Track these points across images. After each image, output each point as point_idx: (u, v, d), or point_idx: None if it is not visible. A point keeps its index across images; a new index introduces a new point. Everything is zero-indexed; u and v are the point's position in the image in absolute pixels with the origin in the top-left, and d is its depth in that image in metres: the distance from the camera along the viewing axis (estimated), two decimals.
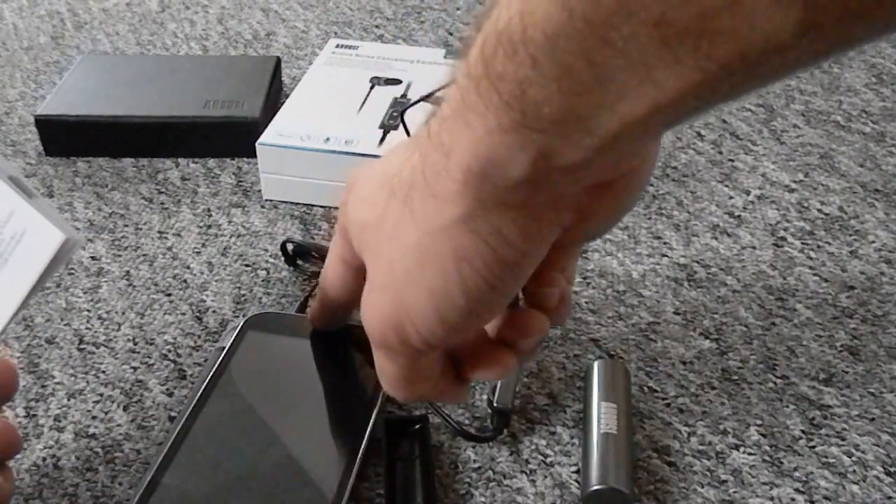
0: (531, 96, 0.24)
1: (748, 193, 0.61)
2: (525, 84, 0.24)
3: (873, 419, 0.45)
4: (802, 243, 0.57)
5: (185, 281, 0.53)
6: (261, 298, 0.52)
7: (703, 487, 0.41)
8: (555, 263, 0.33)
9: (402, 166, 0.31)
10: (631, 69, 0.22)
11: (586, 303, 0.52)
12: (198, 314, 0.51)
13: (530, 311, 0.34)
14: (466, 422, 0.44)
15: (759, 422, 0.44)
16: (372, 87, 0.65)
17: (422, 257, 0.30)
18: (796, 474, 0.42)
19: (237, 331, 0.46)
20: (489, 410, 0.44)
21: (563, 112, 0.24)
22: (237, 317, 0.50)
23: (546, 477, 0.42)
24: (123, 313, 0.51)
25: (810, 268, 0.54)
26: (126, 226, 0.58)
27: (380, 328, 0.32)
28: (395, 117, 0.61)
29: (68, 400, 0.45)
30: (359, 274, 0.37)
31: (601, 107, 0.24)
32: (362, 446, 0.40)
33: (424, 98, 0.50)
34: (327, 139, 0.58)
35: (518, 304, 0.35)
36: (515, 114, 0.25)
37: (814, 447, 0.43)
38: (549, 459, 0.42)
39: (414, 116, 0.60)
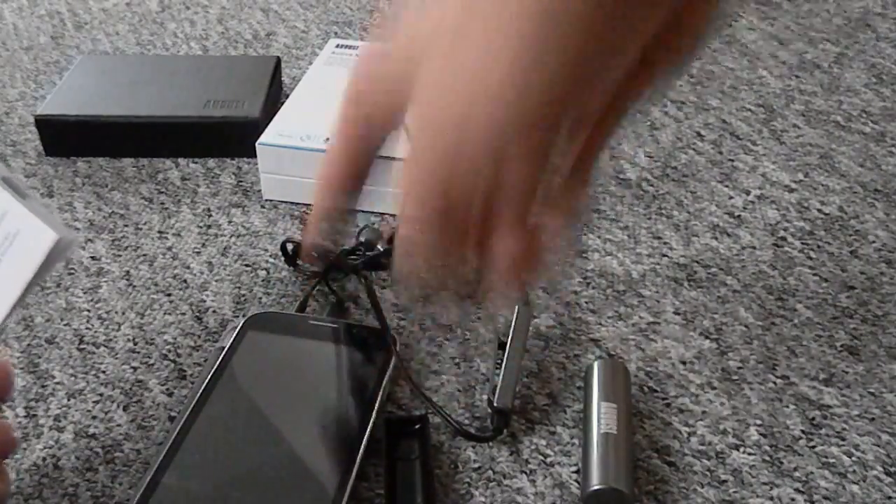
0: None
1: (748, 193, 0.61)
2: None
3: (873, 419, 0.45)
4: (802, 243, 0.57)
5: (185, 281, 0.53)
6: (261, 298, 0.52)
7: (703, 487, 0.41)
8: (594, 140, 0.31)
9: None
10: None
11: (586, 303, 0.52)
12: (198, 314, 0.51)
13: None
14: (466, 422, 0.44)
15: (759, 422, 0.44)
16: None
17: (491, 24, 0.27)
18: (796, 474, 0.42)
19: (237, 331, 0.46)
20: (489, 410, 0.44)
21: None
22: (237, 317, 0.50)
23: (546, 477, 0.42)
24: (123, 313, 0.51)
25: (810, 268, 0.54)
26: (126, 226, 0.58)
27: (442, 148, 0.29)
28: None
29: (68, 400, 0.45)
30: (369, 144, 0.34)
31: None
32: (362, 446, 0.40)
33: None
34: (327, 139, 0.58)
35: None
36: None
37: (814, 447, 0.43)
38: (549, 459, 0.42)
39: None
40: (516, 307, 0.47)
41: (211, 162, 0.64)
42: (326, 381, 0.44)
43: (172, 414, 0.45)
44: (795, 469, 0.42)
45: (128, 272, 0.54)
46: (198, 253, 0.55)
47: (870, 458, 0.43)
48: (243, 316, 0.50)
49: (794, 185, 0.62)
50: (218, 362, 0.44)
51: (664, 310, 0.51)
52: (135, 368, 0.47)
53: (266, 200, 0.60)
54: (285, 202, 0.60)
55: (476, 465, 0.42)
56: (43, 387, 0.46)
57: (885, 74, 0.76)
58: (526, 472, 0.42)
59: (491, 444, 0.43)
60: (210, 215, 0.59)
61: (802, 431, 0.44)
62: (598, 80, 0.28)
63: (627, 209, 0.59)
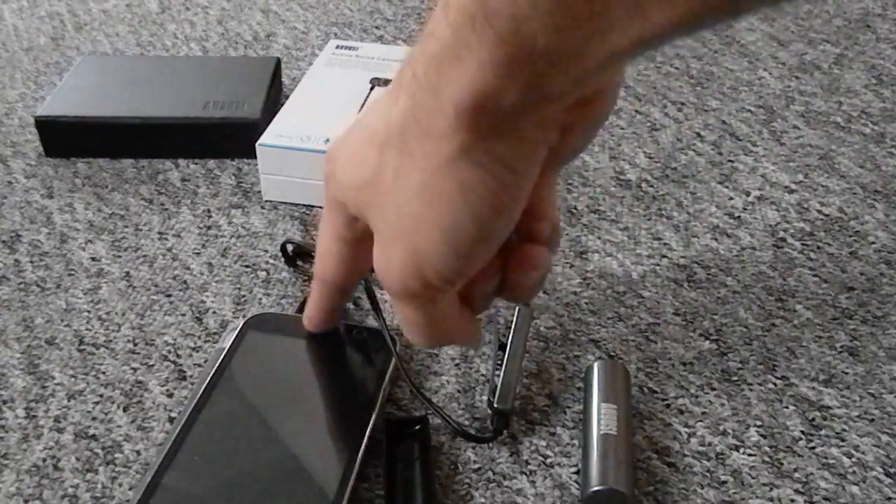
0: (525, 31, 0.25)
1: (748, 194, 0.61)
2: (520, 19, 0.25)
3: (873, 420, 0.45)
4: (802, 244, 0.57)
5: (185, 282, 0.53)
6: (261, 299, 0.52)
7: (703, 488, 0.41)
8: (540, 191, 0.34)
9: (389, 116, 0.31)
10: (623, 3, 0.24)
11: (586, 304, 0.52)
12: (198, 315, 0.51)
13: (529, 246, 0.36)
14: (466, 422, 0.44)
15: (759, 423, 0.44)
16: (372, 88, 0.65)
17: (429, 197, 0.31)
18: (796, 475, 0.42)
19: (237, 331, 0.46)
20: (489, 411, 0.44)
21: (556, 45, 0.25)
22: (237, 317, 0.50)
23: (546, 478, 0.42)
24: (123, 314, 0.51)
25: (810, 269, 0.54)
26: (126, 227, 0.58)
27: (399, 277, 0.33)
28: None
29: (68, 401, 0.45)
30: (356, 247, 0.38)
31: (591, 39, 0.25)
32: (362, 446, 0.40)
33: None
34: (327, 140, 0.58)
35: (512, 244, 0.36)
36: (509, 48, 0.26)
37: (814, 448, 0.43)
38: (548, 460, 0.42)
39: None
40: (516, 308, 0.48)
41: (211, 163, 0.64)
42: (326, 382, 0.43)
43: (172, 415, 0.45)
44: (795, 470, 0.42)
45: (128, 273, 0.54)
46: (198, 254, 0.55)
47: (869, 459, 0.43)
48: (243, 317, 0.50)
49: (793, 186, 0.62)
50: (218, 363, 0.44)
51: (664, 311, 0.51)
52: (135, 369, 0.47)
53: (266, 201, 0.60)
54: (285, 203, 0.60)
55: (476, 466, 0.42)
56: (43, 387, 0.46)
57: (884, 76, 0.77)
58: (526, 473, 0.42)
59: (491, 445, 0.43)
60: (210, 216, 0.59)
61: (802, 432, 0.44)
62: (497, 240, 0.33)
63: (627, 210, 0.60)
